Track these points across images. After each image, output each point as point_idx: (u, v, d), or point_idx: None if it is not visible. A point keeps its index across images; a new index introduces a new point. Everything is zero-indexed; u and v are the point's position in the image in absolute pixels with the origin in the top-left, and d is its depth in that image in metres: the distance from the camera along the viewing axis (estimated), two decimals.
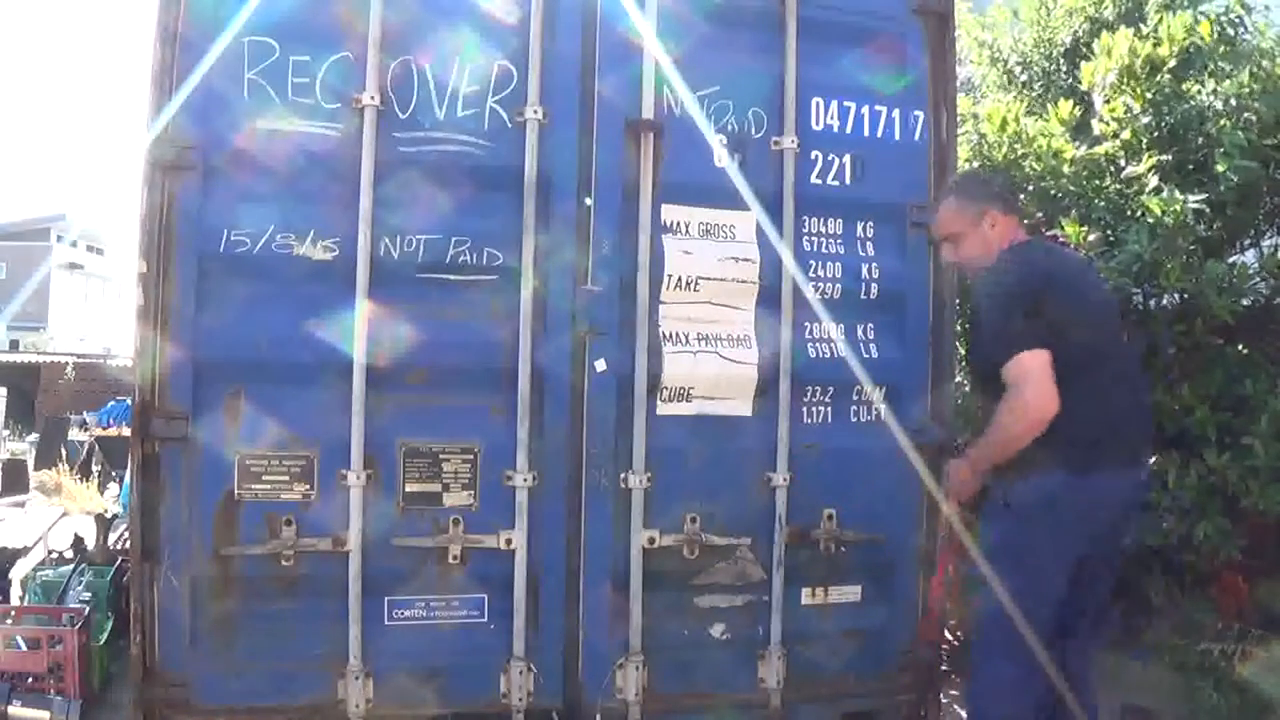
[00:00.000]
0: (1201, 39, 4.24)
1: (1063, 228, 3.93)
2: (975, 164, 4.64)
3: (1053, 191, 4.22)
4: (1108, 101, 4.34)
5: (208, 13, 2.97)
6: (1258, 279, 4.15)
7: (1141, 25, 4.46)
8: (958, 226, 3.10)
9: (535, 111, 3.17)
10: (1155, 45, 4.27)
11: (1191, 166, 4.15)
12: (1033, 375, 2.66)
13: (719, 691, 3.29)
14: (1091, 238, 3.89)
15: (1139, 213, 3.92)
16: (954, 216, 3.11)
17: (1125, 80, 4.30)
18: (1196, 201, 3.77)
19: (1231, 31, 4.42)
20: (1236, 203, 4.06)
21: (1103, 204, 4.13)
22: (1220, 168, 3.86)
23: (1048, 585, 2.80)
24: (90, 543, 4.99)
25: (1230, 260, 4.13)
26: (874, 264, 3.50)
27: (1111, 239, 4.02)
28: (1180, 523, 3.98)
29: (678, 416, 3.29)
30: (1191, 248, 3.86)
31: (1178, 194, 3.78)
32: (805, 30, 3.41)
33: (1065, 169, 4.22)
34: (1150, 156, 4.05)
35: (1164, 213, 3.75)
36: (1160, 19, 4.36)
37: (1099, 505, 2.78)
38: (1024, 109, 4.63)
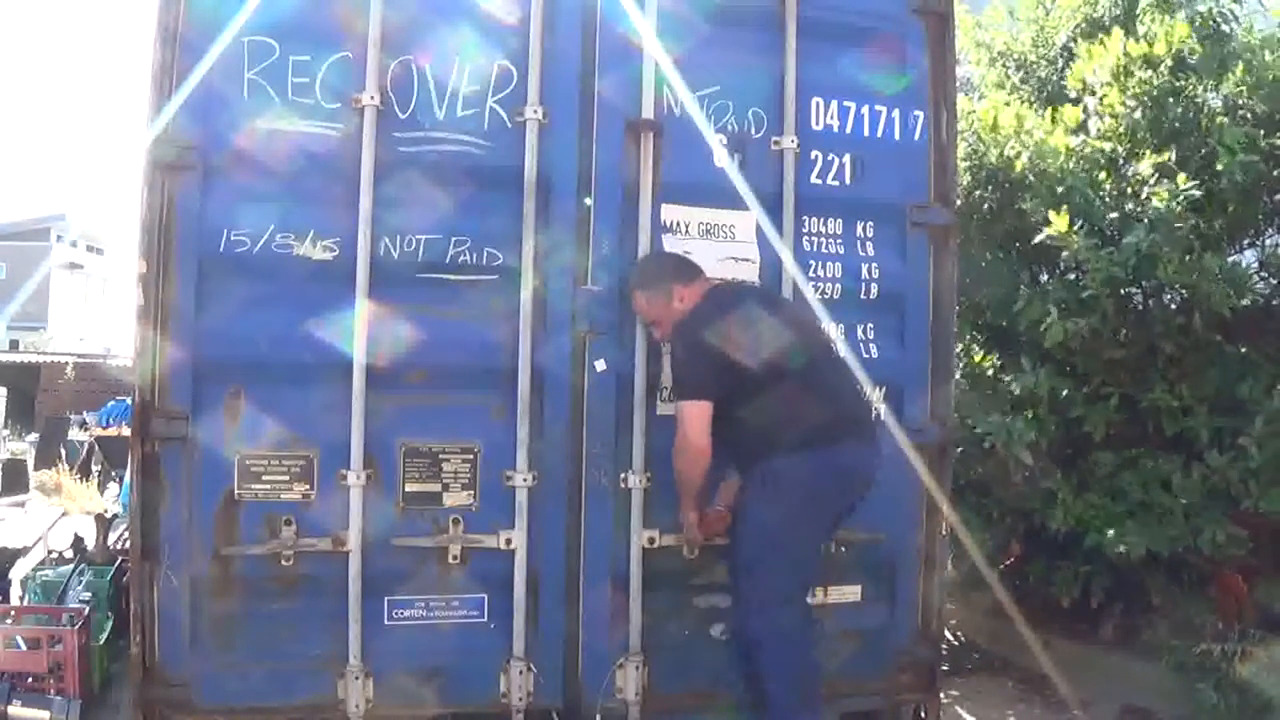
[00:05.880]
0: (1181, 41, 4.25)
1: (1049, 223, 3.94)
2: (973, 164, 4.64)
3: (1046, 185, 4.22)
4: (1102, 99, 4.34)
5: (208, 13, 2.97)
6: (1257, 278, 4.16)
7: (1136, 25, 4.47)
8: (656, 312, 3.20)
9: (535, 111, 3.17)
10: (1150, 45, 4.27)
11: (1192, 165, 4.14)
12: (688, 419, 3.06)
13: (719, 691, 3.28)
14: (1080, 232, 3.89)
15: (1138, 209, 3.92)
16: (648, 304, 3.20)
17: (1117, 78, 4.30)
18: (1192, 186, 3.77)
19: (1227, 29, 4.43)
20: (1237, 200, 4.06)
21: (1098, 200, 4.13)
22: (1222, 163, 3.85)
23: (806, 537, 3.13)
24: (90, 543, 4.98)
25: (1229, 258, 4.13)
26: (874, 264, 3.50)
27: (1110, 235, 4.02)
28: (1186, 527, 3.98)
29: None
30: (1190, 240, 3.86)
31: (1177, 183, 3.77)
32: (805, 30, 3.41)
33: (1058, 163, 4.22)
34: (1151, 154, 4.05)
35: (1163, 204, 3.75)
36: (1152, 19, 4.36)
37: (826, 473, 3.09)
38: (1023, 108, 4.63)
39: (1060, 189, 4.19)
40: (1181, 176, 3.80)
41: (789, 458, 3.03)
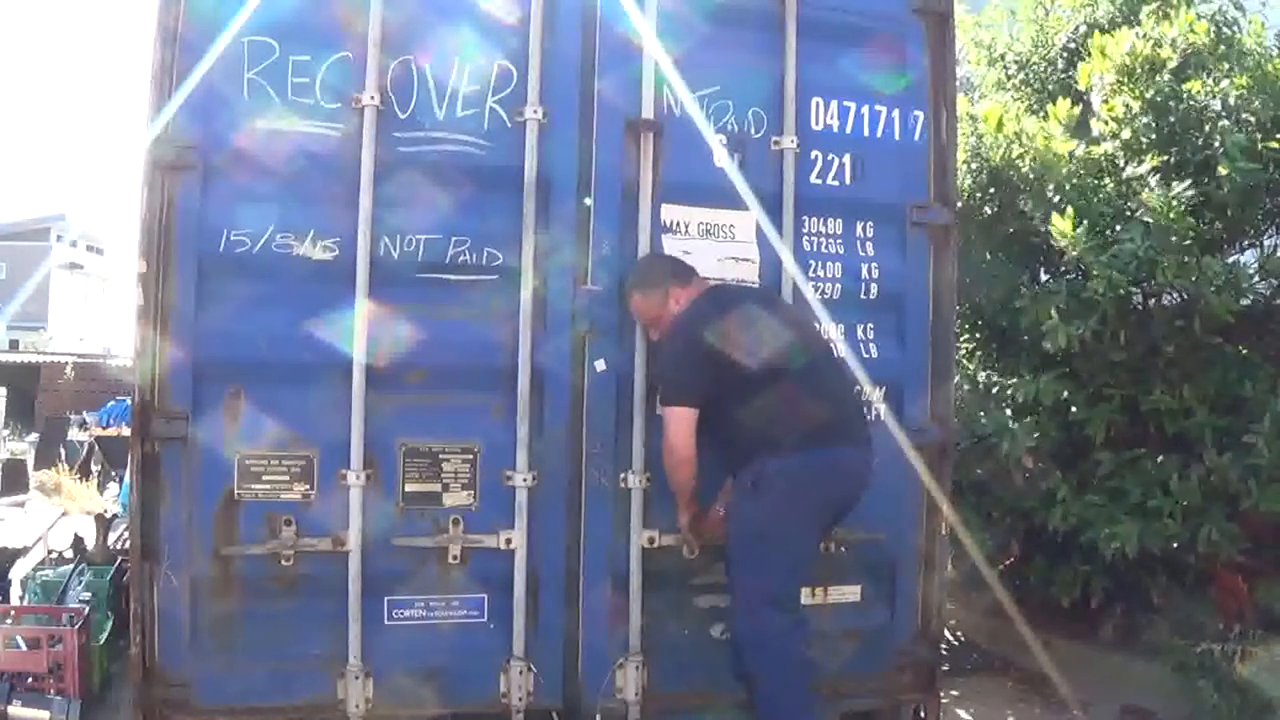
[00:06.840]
0: (1200, 40, 4.24)
1: (1054, 226, 3.94)
2: (973, 165, 4.63)
3: (1049, 192, 4.22)
4: (1106, 101, 4.33)
5: (208, 13, 2.97)
6: (1257, 279, 4.15)
7: (1138, 26, 4.46)
8: (653, 312, 3.19)
9: (535, 111, 3.17)
10: (1156, 47, 4.26)
11: (1192, 168, 4.14)
12: (674, 425, 3.06)
13: (719, 691, 3.28)
14: (1080, 232, 3.88)
15: (1137, 210, 3.92)
16: (645, 305, 3.20)
17: (1124, 81, 4.30)
18: (1189, 192, 3.77)
19: (1229, 31, 4.42)
20: (1237, 203, 4.06)
21: (1100, 202, 4.13)
22: (1223, 170, 3.85)
23: (799, 538, 3.12)
24: (90, 543, 4.98)
25: (1229, 259, 4.13)
26: (874, 264, 3.50)
27: (1109, 238, 4.02)
28: (1184, 526, 3.98)
29: None
30: (1188, 244, 3.86)
31: (1173, 187, 3.77)
32: (805, 30, 3.41)
33: (1062, 168, 4.22)
34: (1152, 157, 4.05)
35: (1159, 208, 3.75)
36: (1154, 20, 4.35)
37: (820, 475, 3.10)
38: (1024, 109, 4.63)
39: (1060, 194, 4.18)
40: (1175, 187, 3.79)
41: (782, 459, 3.03)
